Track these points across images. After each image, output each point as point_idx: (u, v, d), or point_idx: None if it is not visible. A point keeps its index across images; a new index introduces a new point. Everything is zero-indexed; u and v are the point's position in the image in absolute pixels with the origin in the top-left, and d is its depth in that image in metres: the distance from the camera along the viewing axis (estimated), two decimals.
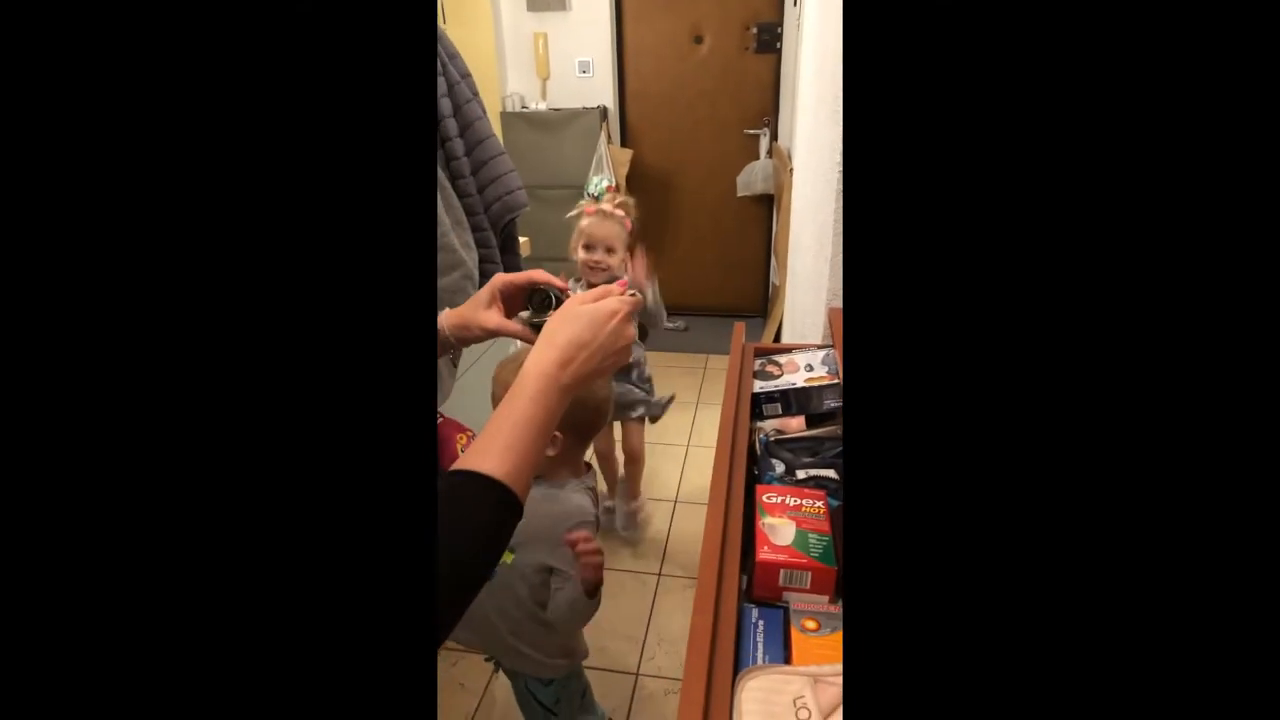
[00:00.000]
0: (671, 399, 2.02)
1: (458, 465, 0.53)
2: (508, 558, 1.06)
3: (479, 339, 0.74)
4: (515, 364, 1.06)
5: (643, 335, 1.83)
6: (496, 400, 1.07)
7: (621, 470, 2.10)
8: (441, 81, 1.40)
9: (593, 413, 1.10)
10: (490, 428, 0.55)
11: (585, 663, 1.23)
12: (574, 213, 1.76)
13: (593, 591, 1.00)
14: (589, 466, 1.16)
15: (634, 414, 1.97)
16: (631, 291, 0.65)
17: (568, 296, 0.70)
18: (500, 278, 0.73)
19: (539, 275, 0.73)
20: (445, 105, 1.41)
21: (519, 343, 0.74)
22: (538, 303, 0.72)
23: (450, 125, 1.43)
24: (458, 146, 1.44)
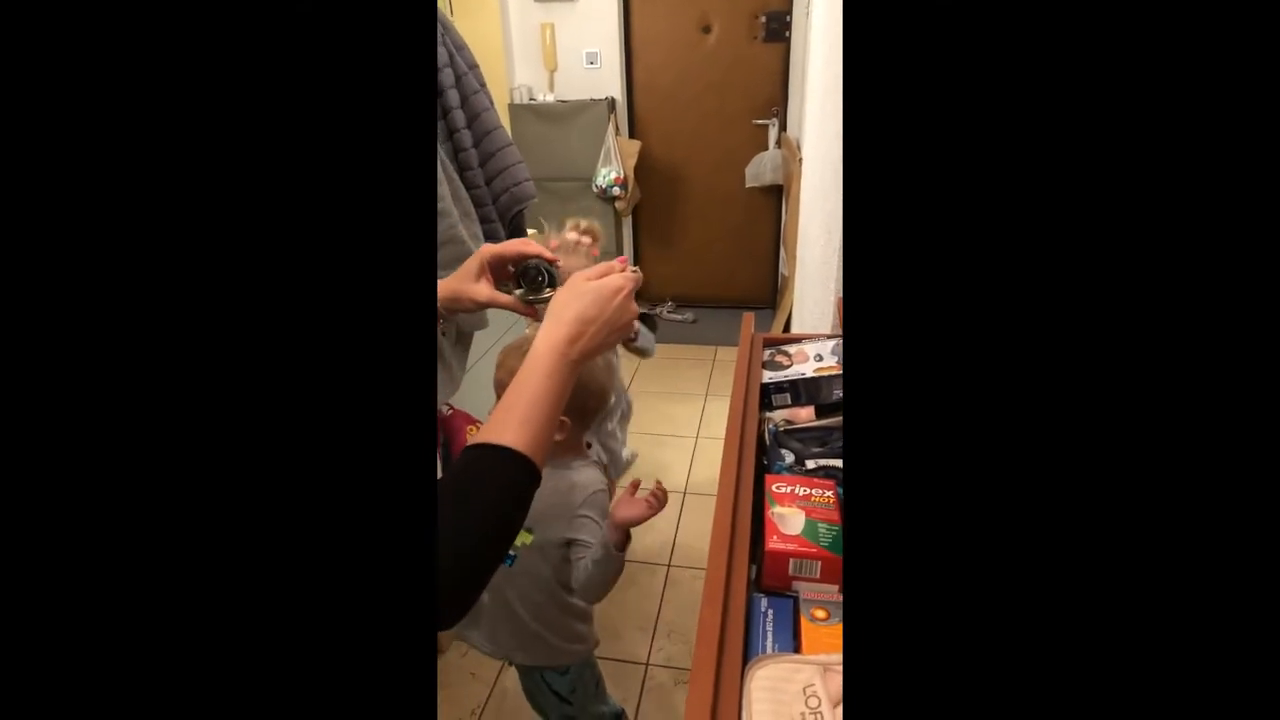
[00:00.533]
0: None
1: (475, 440, 0.53)
2: (525, 539, 1.07)
3: (469, 310, 0.74)
4: (520, 351, 1.06)
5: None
6: (500, 386, 1.08)
7: None
8: (449, 73, 1.40)
9: (593, 397, 1.10)
10: (504, 404, 0.56)
11: (596, 653, 1.23)
12: None
13: (622, 545, 1.00)
14: (589, 445, 1.17)
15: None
16: (634, 268, 0.65)
17: (558, 268, 0.70)
18: (488, 249, 0.73)
19: (528, 247, 0.72)
20: (453, 97, 1.41)
21: (528, 330, 0.74)
22: (530, 279, 0.72)
23: (458, 116, 1.42)
24: (466, 138, 1.44)
